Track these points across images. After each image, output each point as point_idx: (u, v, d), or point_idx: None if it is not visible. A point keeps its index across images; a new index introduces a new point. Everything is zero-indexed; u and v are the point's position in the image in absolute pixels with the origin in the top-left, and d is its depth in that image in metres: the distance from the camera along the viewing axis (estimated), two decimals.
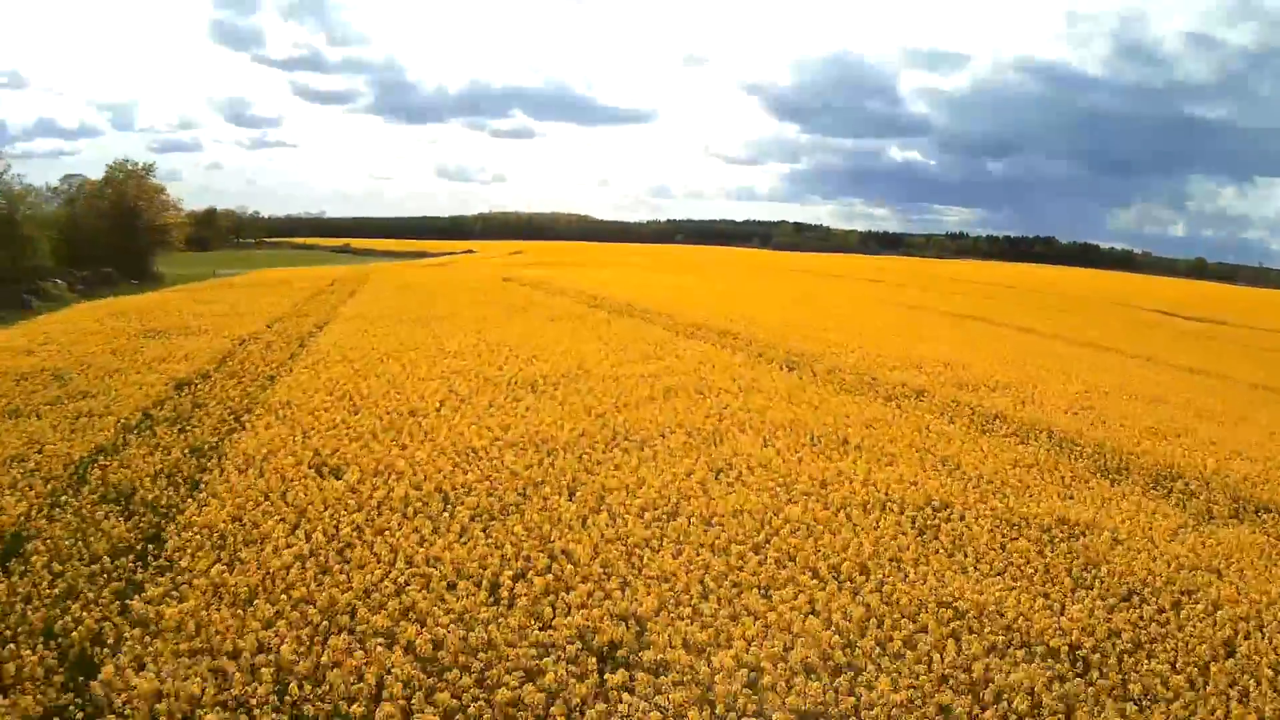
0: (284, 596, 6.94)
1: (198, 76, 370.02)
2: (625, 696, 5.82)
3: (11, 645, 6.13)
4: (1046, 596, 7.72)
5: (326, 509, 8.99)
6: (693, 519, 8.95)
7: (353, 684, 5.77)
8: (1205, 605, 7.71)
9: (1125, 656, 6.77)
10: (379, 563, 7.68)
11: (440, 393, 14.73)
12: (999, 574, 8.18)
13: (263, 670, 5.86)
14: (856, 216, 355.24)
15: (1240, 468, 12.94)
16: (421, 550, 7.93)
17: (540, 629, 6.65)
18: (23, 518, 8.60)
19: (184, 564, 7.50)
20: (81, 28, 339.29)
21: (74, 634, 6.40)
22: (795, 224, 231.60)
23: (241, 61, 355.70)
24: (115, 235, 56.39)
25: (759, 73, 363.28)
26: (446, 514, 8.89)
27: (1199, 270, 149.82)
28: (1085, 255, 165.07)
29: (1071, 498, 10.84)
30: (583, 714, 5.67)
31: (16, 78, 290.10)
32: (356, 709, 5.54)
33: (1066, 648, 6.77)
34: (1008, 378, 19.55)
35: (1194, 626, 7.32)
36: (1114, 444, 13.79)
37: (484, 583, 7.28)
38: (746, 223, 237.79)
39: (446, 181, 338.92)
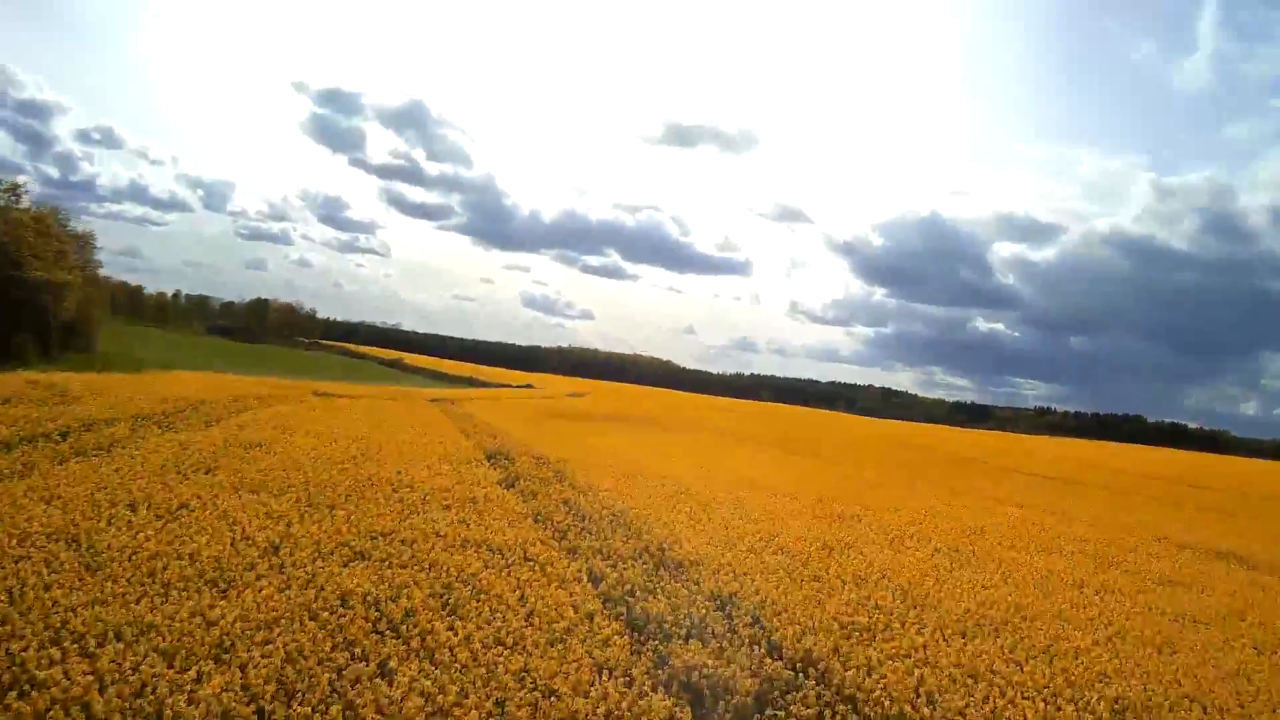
0: None
1: (295, 170, 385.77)
2: None
3: None
4: None
5: None
6: None
7: None
8: None
9: None
10: None
11: None
12: None
13: None
14: (936, 385, 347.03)
15: None
16: None
17: None
18: None
19: None
20: (184, 99, 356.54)
21: None
22: (882, 389, 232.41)
23: (339, 162, 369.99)
24: None
25: (851, 232, 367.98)
26: None
27: None
28: (1173, 434, 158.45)
29: None
30: None
31: (111, 137, 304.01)
32: None
33: None
34: None
35: None
36: None
37: None
38: (832, 384, 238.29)
39: (532, 311, 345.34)
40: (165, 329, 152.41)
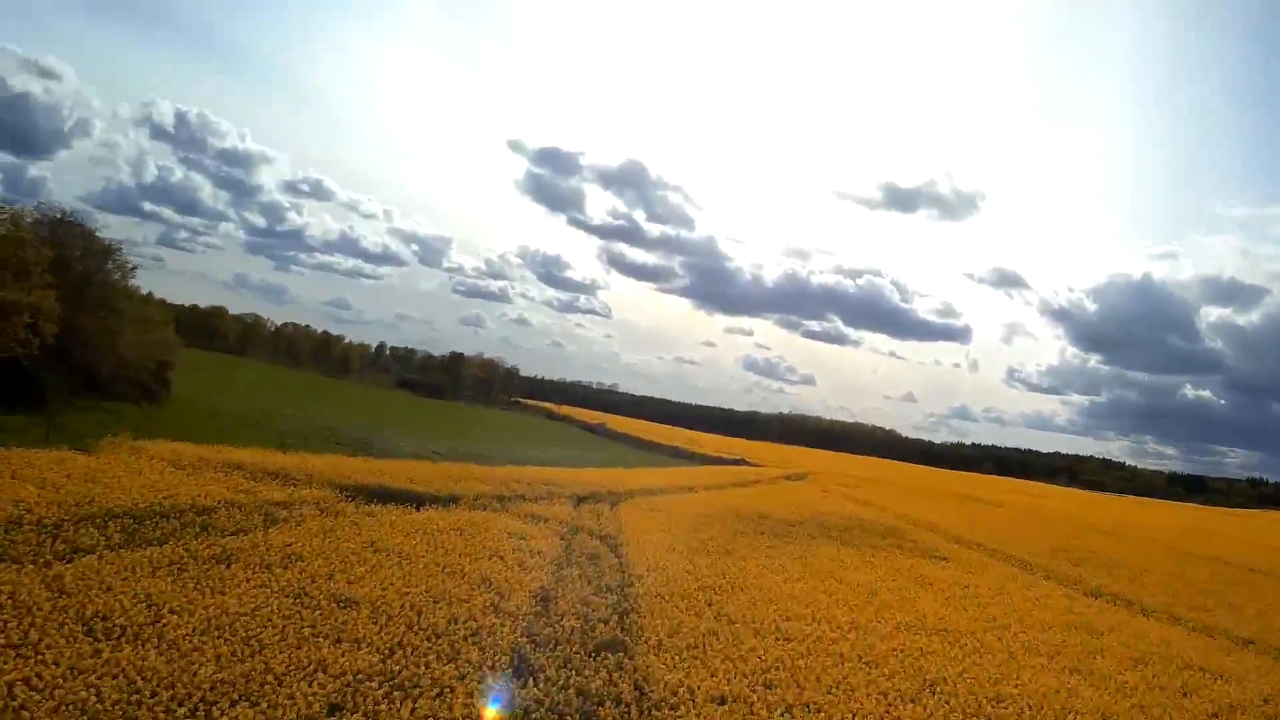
0: None
1: (513, 229, 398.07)
2: None
3: None
4: None
5: None
6: None
7: None
8: None
9: None
10: None
11: None
12: None
13: None
14: (1147, 454, 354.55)
15: None
16: None
17: None
18: None
19: None
20: (396, 154, 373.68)
21: None
22: (1102, 461, 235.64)
23: (558, 222, 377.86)
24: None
25: (1065, 298, 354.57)
26: None
27: None
28: None
29: None
30: None
31: (320, 189, 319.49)
32: None
33: None
34: None
35: None
36: None
37: None
38: (1052, 455, 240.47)
39: (754, 375, 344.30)
40: (348, 379, 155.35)
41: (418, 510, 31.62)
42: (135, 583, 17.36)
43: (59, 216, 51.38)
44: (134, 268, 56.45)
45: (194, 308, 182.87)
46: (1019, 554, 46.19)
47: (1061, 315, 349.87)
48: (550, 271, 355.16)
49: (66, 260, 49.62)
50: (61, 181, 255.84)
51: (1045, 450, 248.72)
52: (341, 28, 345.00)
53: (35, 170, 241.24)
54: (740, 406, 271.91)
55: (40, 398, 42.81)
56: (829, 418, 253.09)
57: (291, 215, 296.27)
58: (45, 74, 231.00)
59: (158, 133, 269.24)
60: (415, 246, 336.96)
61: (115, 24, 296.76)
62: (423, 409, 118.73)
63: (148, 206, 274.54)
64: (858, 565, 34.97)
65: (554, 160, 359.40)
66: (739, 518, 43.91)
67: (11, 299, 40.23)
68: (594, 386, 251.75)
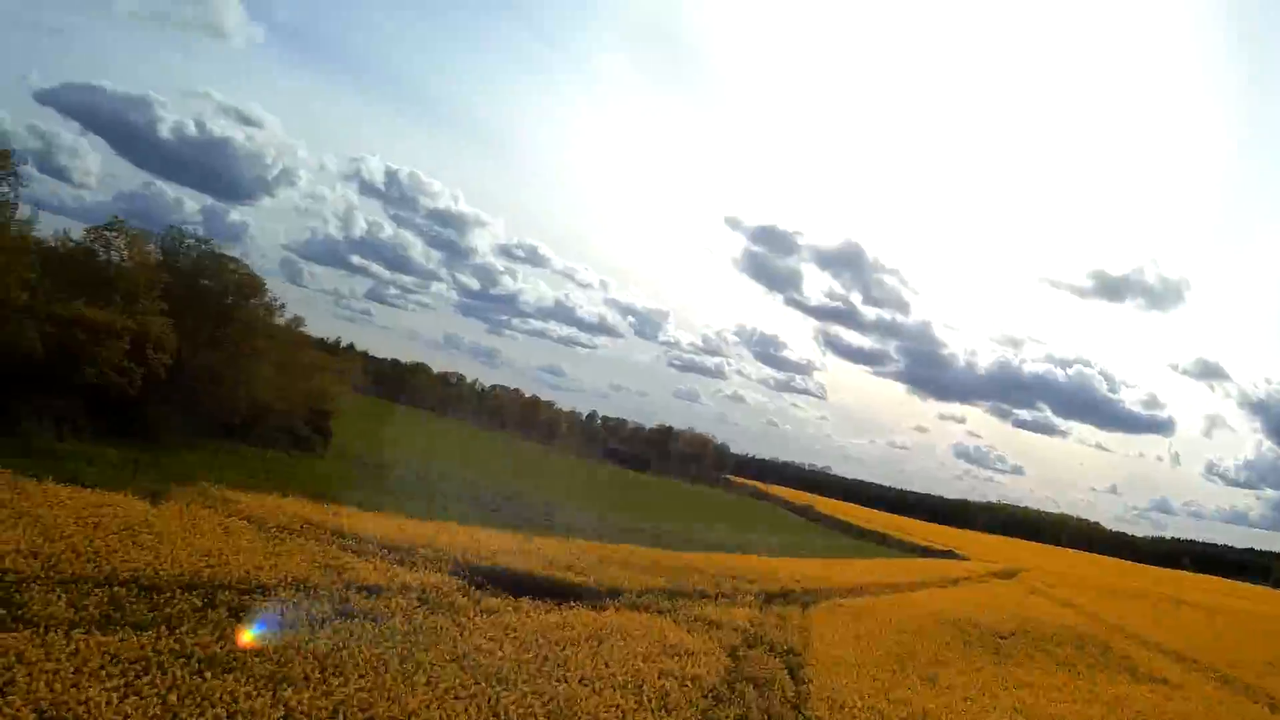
0: None
1: (730, 306, 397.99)
2: None
3: None
4: None
5: None
6: None
7: None
8: None
9: None
10: None
11: None
12: None
13: None
14: None
15: None
16: None
17: None
18: None
19: None
20: (614, 226, 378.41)
21: None
22: None
23: (775, 301, 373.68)
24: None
25: (1265, 390, 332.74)
26: None
27: None
28: None
29: None
30: None
31: (535, 255, 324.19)
32: None
33: None
34: None
35: None
36: None
37: None
38: (1245, 550, 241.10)
39: (964, 463, 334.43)
40: (552, 445, 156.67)
41: (559, 607, 26.09)
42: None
43: (194, 244, 49.46)
44: (281, 305, 54.35)
45: (394, 362, 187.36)
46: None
47: (1260, 408, 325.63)
48: (767, 350, 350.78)
49: (201, 292, 47.39)
50: (264, 228, 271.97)
51: (1239, 546, 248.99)
52: (561, 97, 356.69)
53: (236, 215, 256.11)
54: (950, 494, 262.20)
55: (152, 432, 39.88)
56: (1035, 508, 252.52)
57: (505, 279, 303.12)
58: (247, 121, 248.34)
59: (367, 188, 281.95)
60: (632, 318, 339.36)
61: (322, 78, 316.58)
62: (621, 481, 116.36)
63: (356, 260, 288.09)
64: (1073, 696, 29.74)
65: (771, 239, 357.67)
66: (944, 626, 39.40)
67: (104, 320, 36.93)
68: (806, 467, 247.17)
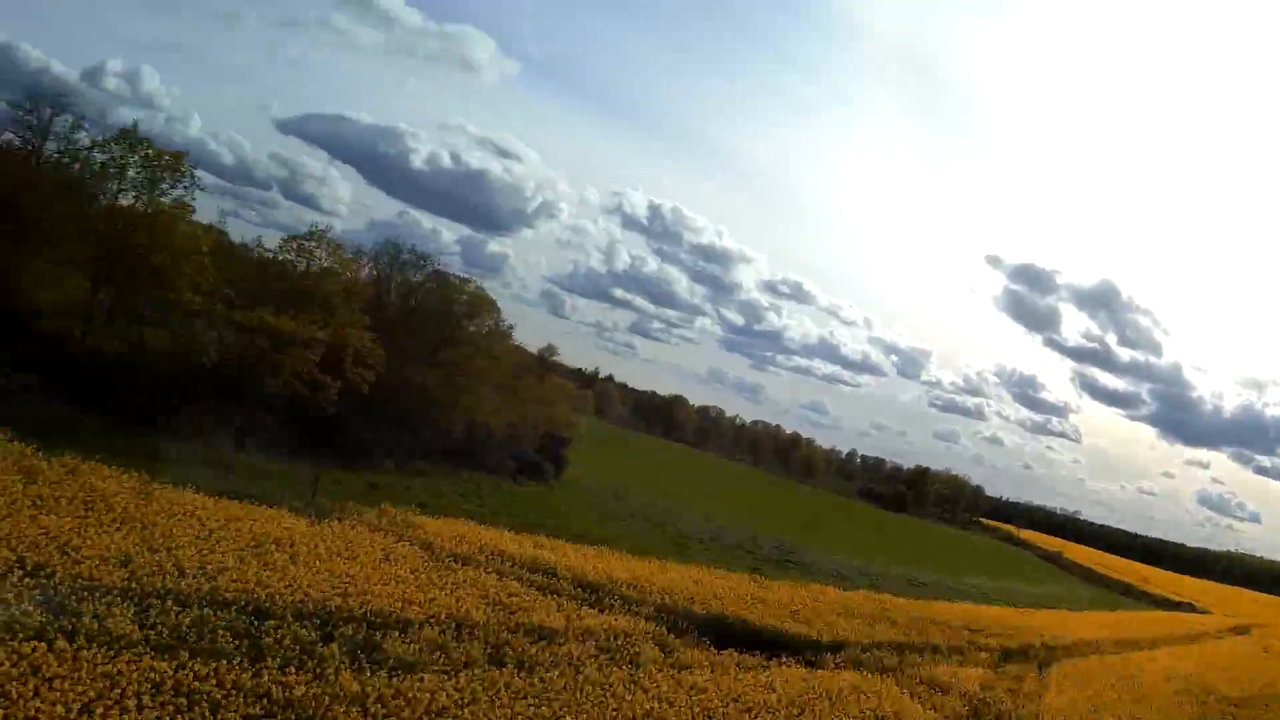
0: None
1: (990, 345, 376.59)
2: None
3: None
4: None
5: None
6: None
7: None
8: None
9: None
10: None
11: None
12: None
13: None
14: None
15: None
16: None
17: None
18: None
19: None
20: (879, 263, 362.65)
21: None
22: None
23: (1034, 341, 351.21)
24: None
25: None
26: None
27: None
28: None
29: None
30: None
31: (800, 291, 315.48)
32: None
33: None
34: None
35: None
36: None
37: None
38: None
39: (1205, 510, 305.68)
40: (808, 483, 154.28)
41: (768, 662, 23.11)
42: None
43: (414, 260, 48.11)
44: (510, 327, 52.47)
45: (652, 394, 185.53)
46: None
47: None
48: (1025, 391, 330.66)
49: (421, 309, 46.20)
50: (524, 259, 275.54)
51: None
52: (820, 130, 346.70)
53: (495, 246, 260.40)
54: (1192, 541, 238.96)
55: (354, 450, 38.55)
56: (1271, 558, 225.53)
57: (770, 315, 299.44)
58: (503, 153, 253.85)
59: (629, 222, 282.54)
60: (895, 357, 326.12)
61: (579, 112, 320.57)
62: (873, 521, 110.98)
63: (619, 293, 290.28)
64: None
65: (1030, 277, 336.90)
66: (1179, 694, 36.99)
67: (289, 329, 35.64)
68: (1056, 512, 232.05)
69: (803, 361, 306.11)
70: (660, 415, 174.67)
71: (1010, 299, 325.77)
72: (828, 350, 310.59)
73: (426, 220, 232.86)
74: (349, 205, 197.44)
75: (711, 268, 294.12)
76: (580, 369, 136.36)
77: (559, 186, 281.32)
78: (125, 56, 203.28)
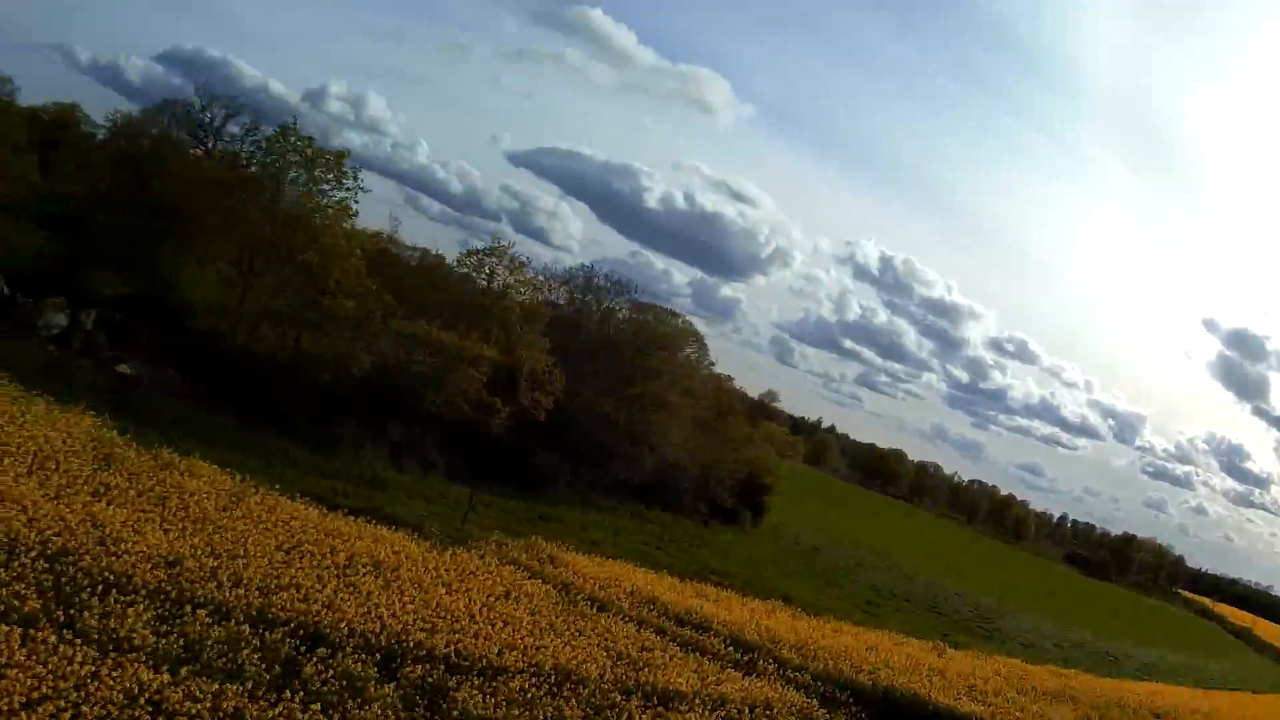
0: None
1: (1203, 412, 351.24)
2: None
3: None
4: None
5: None
6: None
7: None
8: None
9: None
10: None
11: None
12: None
13: None
14: None
15: None
16: None
17: None
18: None
19: None
20: (1101, 325, 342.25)
21: None
22: None
23: (1243, 410, 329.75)
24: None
25: None
26: None
27: None
28: None
29: None
30: None
31: (1025, 351, 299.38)
32: None
33: None
34: None
35: None
36: None
37: None
38: None
39: None
40: (1016, 546, 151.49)
41: None
42: None
43: (609, 285, 46.03)
44: (711, 364, 50.67)
45: (871, 446, 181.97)
46: None
47: None
48: (1232, 461, 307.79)
49: (617, 340, 43.84)
50: (755, 305, 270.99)
51: None
52: (1050, 187, 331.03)
53: (728, 290, 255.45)
54: None
55: (526, 479, 36.14)
56: None
57: (995, 374, 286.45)
58: (738, 197, 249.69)
59: (860, 273, 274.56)
60: (1111, 421, 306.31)
61: (814, 159, 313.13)
62: (1074, 588, 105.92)
63: (847, 344, 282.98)
64: None
65: (1244, 343, 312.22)
66: None
67: (454, 344, 33.34)
68: (1252, 585, 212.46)
69: (1023, 422, 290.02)
70: (877, 468, 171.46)
71: (1223, 365, 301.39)
72: (1048, 411, 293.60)
73: (659, 261, 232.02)
74: (580, 241, 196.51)
75: (940, 322, 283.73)
76: (802, 417, 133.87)
77: (792, 233, 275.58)
78: (350, 82, 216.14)
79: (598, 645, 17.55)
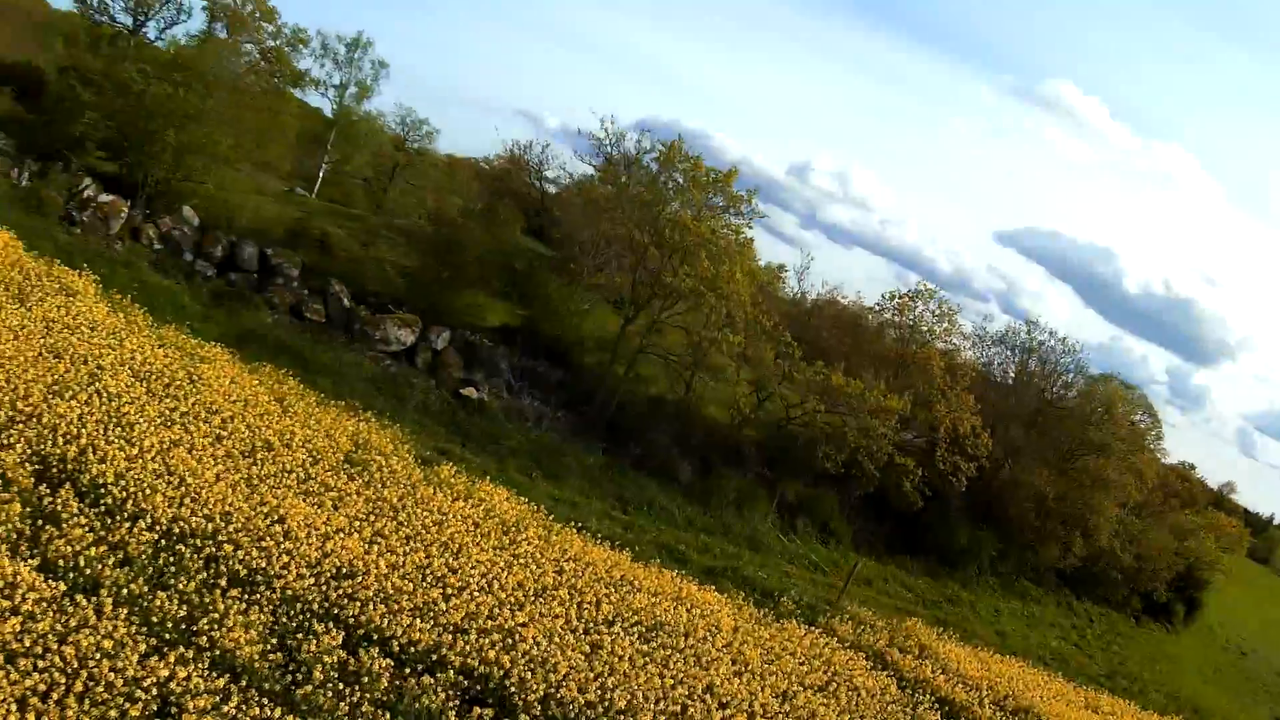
0: None
1: None
2: None
3: None
4: None
5: None
6: None
7: None
8: None
9: None
10: None
11: None
12: None
13: None
14: None
15: None
16: None
17: None
18: None
19: None
20: None
21: None
22: None
23: None
24: None
25: None
26: None
27: None
28: None
29: None
30: None
31: None
32: None
33: None
34: None
35: None
36: None
37: None
38: None
39: None
40: None
41: None
42: None
43: (1061, 347, 39.38)
44: (1158, 436, 43.61)
45: None
46: None
47: None
48: None
49: (1058, 408, 37.73)
50: (1224, 393, 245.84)
51: None
52: None
53: (1201, 377, 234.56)
54: None
55: (938, 554, 31.39)
56: None
57: None
58: (1209, 280, 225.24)
59: None
60: None
61: None
62: None
63: None
64: None
65: None
66: None
67: (855, 393, 27.80)
68: None
69: None
70: None
71: None
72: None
73: (1139, 346, 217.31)
74: (1065, 326, 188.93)
75: None
76: (1258, 513, 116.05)
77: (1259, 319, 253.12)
78: (834, 155, 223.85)
79: None
